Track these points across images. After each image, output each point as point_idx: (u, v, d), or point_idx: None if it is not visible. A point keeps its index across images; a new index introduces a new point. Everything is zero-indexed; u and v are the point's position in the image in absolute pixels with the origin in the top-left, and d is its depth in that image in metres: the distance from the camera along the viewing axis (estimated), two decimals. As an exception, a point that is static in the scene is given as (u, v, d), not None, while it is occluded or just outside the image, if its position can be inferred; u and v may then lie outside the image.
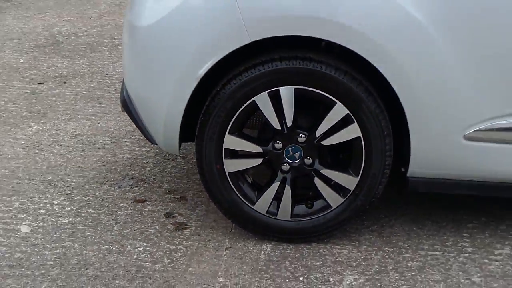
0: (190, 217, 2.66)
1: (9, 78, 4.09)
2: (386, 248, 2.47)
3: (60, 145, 3.23)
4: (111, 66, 4.44)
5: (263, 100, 2.22)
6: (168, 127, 2.32)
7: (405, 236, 2.56)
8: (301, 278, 2.28)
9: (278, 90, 2.21)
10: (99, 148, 3.22)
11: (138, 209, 2.69)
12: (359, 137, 2.27)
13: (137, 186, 2.90)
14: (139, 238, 2.47)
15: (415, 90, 2.25)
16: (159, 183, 2.94)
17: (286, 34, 2.20)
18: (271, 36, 2.19)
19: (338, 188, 2.41)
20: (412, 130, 2.27)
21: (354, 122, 2.24)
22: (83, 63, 4.49)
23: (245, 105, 2.24)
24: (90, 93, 3.93)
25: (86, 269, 2.25)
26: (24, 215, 2.58)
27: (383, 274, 2.32)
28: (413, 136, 2.27)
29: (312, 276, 2.28)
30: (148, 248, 2.40)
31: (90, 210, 2.66)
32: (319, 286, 2.24)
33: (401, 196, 2.78)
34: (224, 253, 2.39)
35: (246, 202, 2.41)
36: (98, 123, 3.49)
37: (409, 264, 2.36)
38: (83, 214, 2.62)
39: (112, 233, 2.48)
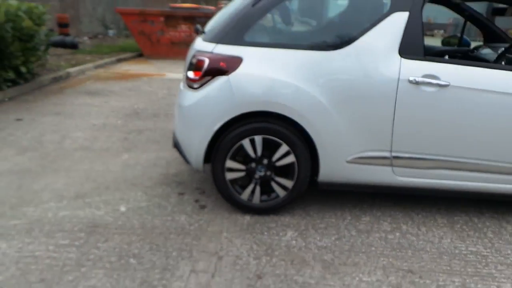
0: (207, 202, 3.17)
1: (112, 131, 4.80)
2: (308, 220, 2.99)
3: (140, 165, 3.81)
4: (166, 125, 5.11)
5: (245, 142, 2.82)
6: (198, 154, 2.89)
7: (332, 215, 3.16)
8: (263, 231, 2.80)
9: (254, 137, 2.81)
10: (160, 167, 3.80)
11: (180, 198, 3.22)
12: (294, 161, 2.85)
13: (180, 186, 3.42)
14: (182, 213, 3.01)
15: (321, 136, 2.78)
16: (192, 184, 3.45)
17: (256, 110, 2.77)
18: (250, 111, 2.77)
19: (283, 187, 2.93)
20: (321, 157, 2.84)
21: (291, 153, 2.83)
22: (151, 123, 5.17)
23: (237, 145, 2.83)
24: (155, 139, 4.57)
25: (154, 230, 2.79)
26: (122, 201, 3.13)
27: (309, 230, 2.84)
28: (321, 160, 2.85)
29: (269, 231, 2.81)
30: (186, 218, 2.94)
31: (156, 199, 3.19)
32: (272, 236, 2.75)
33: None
34: (225, 220, 2.92)
35: (236, 194, 2.96)
36: (159, 154, 4.13)
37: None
38: (152, 200, 3.16)
39: (167, 211, 3.03)
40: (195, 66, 2.92)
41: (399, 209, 3.21)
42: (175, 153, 4.04)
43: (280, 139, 2.85)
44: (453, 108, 2.78)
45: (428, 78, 2.74)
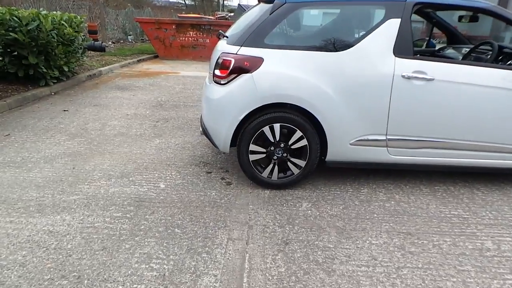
0: (232, 179, 2.99)
1: (143, 119, 4.54)
2: (318, 192, 2.84)
3: (171, 148, 3.60)
4: (186, 114, 4.89)
5: (266, 129, 2.66)
6: (226, 140, 2.73)
7: (338, 188, 2.98)
8: (282, 203, 2.65)
9: (273, 125, 2.65)
10: (188, 149, 3.58)
11: (209, 176, 3.04)
12: (306, 144, 2.69)
13: (207, 165, 3.23)
14: (212, 189, 2.83)
15: (329, 123, 2.63)
16: (216, 164, 3.26)
17: (276, 102, 2.61)
18: (270, 102, 2.61)
19: (296, 166, 2.78)
20: (329, 141, 2.69)
21: (304, 138, 2.67)
22: (174, 113, 4.95)
23: (259, 131, 2.67)
24: (179, 126, 4.34)
25: (191, 203, 2.62)
26: (160, 179, 2.94)
27: (320, 201, 2.69)
28: (329, 143, 2.69)
29: (287, 203, 2.66)
30: (216, 193, 2.77)
31: (188, 177, 3.00)
32: (290, 207, 2.60)
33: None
34: (249, 194, 2.76)
35: (258, 173, 2.80)
36: (185, 139, 3.91)
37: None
38: (185, 178, 2.97)
39: (199, 187, 2.85)
40: (221, 65, 2.72)
41: (390, 181, 3.08)
42: (199, 138, 3.91)
43: (295, 126, 2.69)
44: (436, 98, 2.65)
45: (417, 74, 2.61)
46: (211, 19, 14.22)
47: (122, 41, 13.60)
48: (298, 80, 2.61)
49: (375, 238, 2.30)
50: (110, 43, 12.35)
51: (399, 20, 2.60)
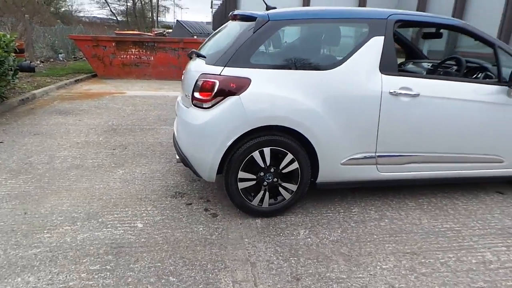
0: (217, 210, 2.75)
1: (97, 147, 4.11)
2: (311, 217, 2.71)
3: (138, 179, 3.24)
4: (145, 139, 4.52)
5: (256, 155, 2.48)
6: (212, 169, 2.50)
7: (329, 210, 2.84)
8: (278, 233, 2.47)
9: (263, 149, 2.48)
10: (158, 179, 3.25)
11: (190, 208, 2.75)
12: (297, 168, 2.56)
13: (184, 196, 2.93)
14: (197, 223, 2.55)
15: (321, 143, 2.53)
16: (194, 194, 2.98)
17: (267, 124, 2.45)
18: (260, 125, 2.44)
19: (287, 190, 2.63)
20: (320, 162, 2.58)
21: (295, 161, 2.54)
22: (131, 138, 4.56)
23: (248, 157, 2.48)
24: (141, 153, 3.98)
25: (179, 244, 2.33)
26: (136, 218, 2.60)
27: (316, 226, 2.54)
28: (320, 165, 2.59)
29: (283, 232, 2.48)
30: (204, 228, 2.50)
31: (167, 211, 2.69)
32: (288, 237, 2.43)
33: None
34: (240, 226, 2.54)
35: (248, 201, 2.60)
36: (151, 167, 3.55)
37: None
38: (164, 214, 2.66)
39: (182, 223, 2.55)
40: (202, 87, 2.51)
41: (376, 198, 3.06)
42: (167, 166, 3.60)
43: (286, 149, 2.55)
44: (422, 113, 2.70)
45: (404, 90, 2.63)
46: (151, 35, 13.73)
47: (52, 60, 12.51)
48: (288, 101, 2.48)
49: (383, 262, 2.21)
50: (38, 62, 11.27)
51: (382, 37, 2.60)
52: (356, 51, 2.57)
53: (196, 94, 2.55)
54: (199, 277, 2.03)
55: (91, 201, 2.85)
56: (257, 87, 2.44)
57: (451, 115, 2.75)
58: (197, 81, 2.55)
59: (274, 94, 2.46)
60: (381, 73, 2.60)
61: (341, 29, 2.67)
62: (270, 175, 2.59)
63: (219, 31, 3.17)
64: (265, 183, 2.60)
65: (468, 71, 3.23)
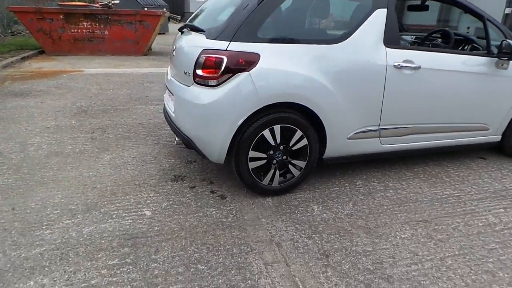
0: (223, 191, 2.65)
1: (73, 132, 3.78)
2: (319, 192, 2.70)
3: (130, 164, 3.04)
4: (123, 120, 4.24)
5: (266, 133, 2.41)
6: (221, 150, 2.40)
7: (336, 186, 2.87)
8: (293, 210, 2.45)
9: (273, 127, 2.42)
10: (151, 163, 3.06)
11: (195, 192, 2.63)
12: (306, 144, 2.54)
13: (185, 179, 2.79)
14: (208, 206, 2.46)
15: (329, 118, 2.51)
16: (195, 176, 2.85)
17: (277, 102, 2.36)
18: (271, 103, 2.35)
19: (296, 167, 2.61)
20: (328, 137, 2.58)
21: (304, 138, 2.51)
22: (107, 120, 4.25)
23: (258, 135, 2.40)
24: (123, 135, 3.73)
25: (196, 229, 2.23)
26: (141, 205, 2.44)
27: (327, 201, 2.55)
28: (328, 140, 2.59)
29: (297, 209, 2.47)
30: (216, 211, 2.41)
31: (172, 196, 2.57)
32: (304, 213, 2.41)
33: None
34: (253, 206, 2.49)
35: (258, 181, 2.54)
36: (139, 150, 3.35)
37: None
38: (170, 199, 2.53)
39: (192, 207, 2.45)
40: (206, 64, 2.35)
41: (374, 170, 3.14)
42: (156, 148, 3.43)
43: (295, 126, 2.50)
44: (422, 85, 2.76)
45: (406, 63, 2.67)
46: (98, 7, 12.72)
47: (-14, 35, 11.19)
48: (298, 76, 2.40)
49: (401, 231, 2.28)
50: (-29, 38, 10.04)
51: (385, 9, 2.58)
52: (362, 23, 2.54)
53: (199, 72, 2.39)
54: (228, 262, 1.97)
55: (85, 191, 2.63)
56: (267, 62, 2.33)
57: (447, 86, 2.85)
58: (199, 57, 2.38)
59: (284, 69, 2.37)
60: (385, 46, 2.59)
61: (346, 0, 2.61)
62: (280, 153, 2.55)
63: (211, 2, 2.97)
64: (274, 161, 2.55)
65: (454, 44, 3.34)
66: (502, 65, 2.94)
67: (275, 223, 2.33)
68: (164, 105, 3.17)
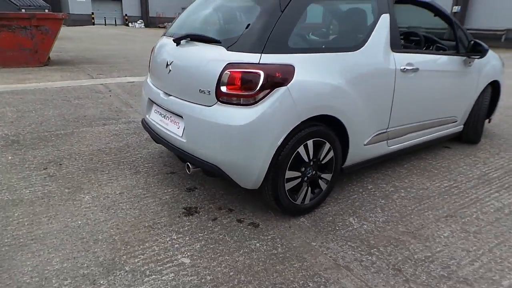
0: (252, 219, 2.40)
1: (18, 170, 2.95)
2: (342, 203, 2.66)
3: (124, 203, 2.52)
4: (74, 148, 3.52)
5: (301, 149, 2.26)
6: (260, 174, 2.17)
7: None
8: (334, 228, 2.33)
9: (307, 143, 2.28)
10: (148, 197, 2.60)
11: (222, 224, 2.33)
12: (333, 156, 2.47)
13: (201, 211, 2.45)
14: (247, 239, 2.21)
15: (353, 127, 2.48)
16: (207, 205, 2.52)
17: (312, 116, 2.21)
18: (308, 117, 2.20)
19: (324, 181, 2.50)
20: (350, 146, 2.53)
21: (331, 150, 2.43)
22: (54, 150, 3.49)
23: (294, 153, 2.24)
24: (87, 167, 3.08)
25: (253, 269, 1.98)
26: (170, 253, 2.04)
27: (356, 211, 2.50)
28: (350, 149, 2.55)
29: (336, 225, 2.36)
30: (259, 243, 2.18)
31: (200, 235, 2.21)
32: (347, 229, 2.32)
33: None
34: (292, 230, 2.30)
35: (293, 201, 2.36)
36: (122, 183, 2.81)
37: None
38: (200, 239, 2.17)
39: (231, 244, 2.15)
40: (233, 80, 2.10)
41: (373, 172, 3.21)
42: (140, 178, 3.02)
43: (324, 139, 2.40)
44: (419, 85, 2.94)
45: (409, 66, 2.78)
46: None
47: None
48: (329, 86, 2.31)
49: (440, 230, 2.38)
50: None
51: (388, 14, 2.64)
52: (373, 29, 2.56)
53: (224, 89, 2.11)
54: (315, 300, 1.78)
55: (87, 247, 2.11)
56: (302, 74, 2.18)
57: (435, 85, 3.08)
58: (222, 73, 2.10)
59: (318, 80, 2.25)
60: (392, 50, 2.66)
61: (358, 6, 2.59)
62: (310, 169, 2.42)
63: (201, 7, 2.67)
64: (305, 178, 2.41)
65: (426, 44, 3.61)
66: (469, 63, 3.29)
67: (326, 244, 2.20)
68: (151, 127, 2.76)
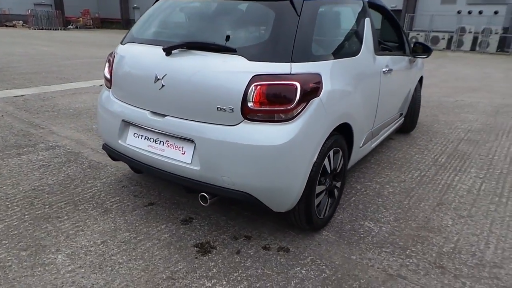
0: (278, 243, 2.20)
1: None
2: (347, 208, 2.63)
3: (114, 255, 2.03)
4: (5, 190, 2.73)
5: (326, 161, 2.15)
6: (298, 195, 1.99)
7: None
8: (358, 236, 2.30)
9: (329, 154, 2.17)
10: (140, 243, 2.15)
11: (249, 256, 2.06)
12: (343, 163, 2.41)
13: (214, 251, 2.14)
14: (287, 268, 1.99)
15: (357, 132, 2.47)
16: (221, 236, 2.22)
17: (338, 124, 2.15)
18: (335, 127, 2.11)
19: (337, 189, 2.44)
20: (353, 150, 2.53)
21: (343, 158, 2.38)
22: None
23: (322, 167, 2.11)
24: (38, 215, 2.37)
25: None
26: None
27: (367, 213, 2.52)
28: (353, 153, 2.55)
29: (358, 233, 2.33)
30: (302, 269, 1.99)
31: (235, 274, 1.92)
32: (369, 234, 2.31)
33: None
34: (323, 247, 2.19)
35: (319, 216, 2.25)
36: (93, 229, 2.25)
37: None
38: (238, 279, 1.87)
39: (274, 276, 1.91)
40: (264, 94, 1.87)
41: (351, 171, 3.28)
42: (118, 219, 2.51)
43: (340, 147, 2.34)
44: (392, 85, 3.12)
45: (386, 68, 2.92)
46: None
47: None
48: (347, 94, 2.28)
49: (443, 220, 2.56)
50: None
51: (369, 18, 2.71)
52: (363, 33, 2.60)
53: (251, 105, 1.87)
54: (397, 321, 1.71)
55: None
56: (327, 83, 2.06)
57: (398, 83, 3.34)
58: (249, 86, 1.85)
59: (340, 89, 2.19)
60: (375, 53, 2.74)
61: (350, 9, 2.58)
62: (329, 179, 2.33)
63: (189, 8, 2.31)
64: (325, 190, 2.32)
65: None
66: (414, 62, 3.64)
67: (365, 255, 2.16)
68: (128, 155, 2.28)
